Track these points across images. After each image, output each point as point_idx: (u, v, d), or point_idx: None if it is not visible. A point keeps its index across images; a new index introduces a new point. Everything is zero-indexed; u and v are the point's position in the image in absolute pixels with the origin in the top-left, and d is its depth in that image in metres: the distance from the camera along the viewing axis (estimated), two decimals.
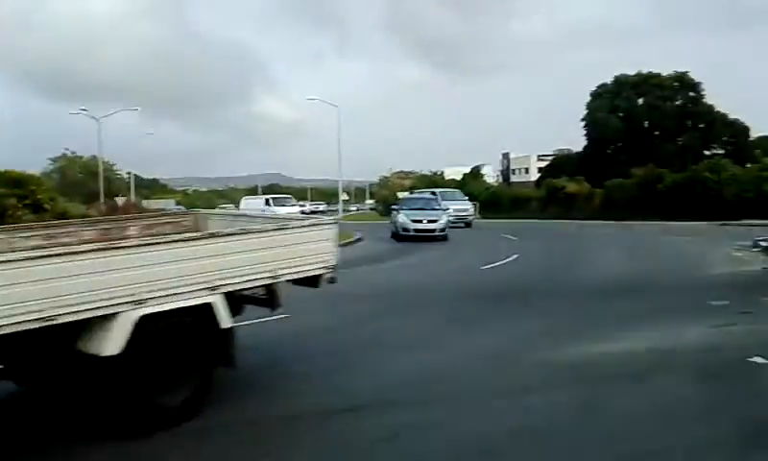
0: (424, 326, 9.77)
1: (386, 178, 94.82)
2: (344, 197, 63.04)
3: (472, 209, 36.60)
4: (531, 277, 15.26)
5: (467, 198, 38.24)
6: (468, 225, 33.44)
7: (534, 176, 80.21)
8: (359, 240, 25.84)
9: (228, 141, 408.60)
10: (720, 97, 60.07)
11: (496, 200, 55.02)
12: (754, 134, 57.84)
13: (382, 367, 7.52)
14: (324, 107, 54.62)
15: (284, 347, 8.46)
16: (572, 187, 47.92)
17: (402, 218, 25.91)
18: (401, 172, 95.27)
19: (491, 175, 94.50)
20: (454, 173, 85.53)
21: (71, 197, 44.28)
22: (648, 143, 56.23)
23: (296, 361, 7.75)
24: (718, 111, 57.76)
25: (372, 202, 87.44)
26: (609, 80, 61.14)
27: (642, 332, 8.89)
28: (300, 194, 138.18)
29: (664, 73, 59.45)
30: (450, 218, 32.76)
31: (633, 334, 8.82)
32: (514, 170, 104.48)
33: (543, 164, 75.51)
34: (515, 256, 18.80)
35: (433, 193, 36.27)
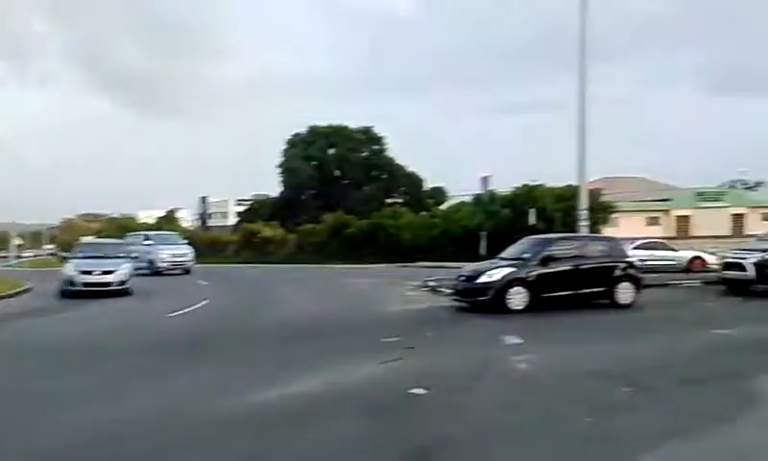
0: (92, 382, 8.85)
1: (70, 220, 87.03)
2: (16, 241, 56.21)
3: (192, 254, 33.67)
4: (218, 322, 14.99)
5: (186, 242, 36.05)
6: (186, 271, 31.06)
7: (232, 220, 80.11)
8: (28, 290, 23.00)
9: None
10: (400, 151, 66.23)
11: (192, 244, 53.55)
12: (427, 186, 64.91)
13: (38, 428, 6.56)
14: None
15: None
16: (267, 232, 48.87)
17: (70, 269, 21.11)
18: (89, 214, 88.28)
19: (187, 219, 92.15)
20: (148, 217, 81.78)
21: None
22: (338, 191, 59.88)
23: None
24: (398, 164, 63.83)
25: (51, 247, 79.34)
26: (303, 129, 64.10)
27: (318, 373, 9.11)
28: None
29: (352, 126, 64.17)
30: (164, 264, 30.35)
31: (309, 376, 8.99)
32: (212, 214, 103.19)
33: (242, 209, 75.94)
34: (204, 302, 18.36)
35: (147, 237, 33.79)
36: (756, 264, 17.55)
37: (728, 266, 18.74)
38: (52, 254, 60.02)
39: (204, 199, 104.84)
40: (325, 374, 9.11)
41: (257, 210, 63.38)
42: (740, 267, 17.95)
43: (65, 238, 71.59)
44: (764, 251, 17.92)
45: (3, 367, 9.83)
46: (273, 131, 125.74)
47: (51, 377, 9.19)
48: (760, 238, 22.43)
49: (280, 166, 63.14)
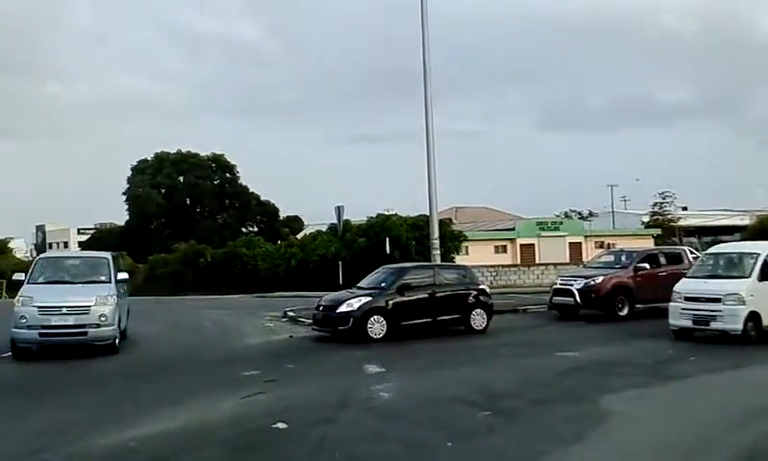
0: None
1: None
2: None
3: None
4: (53, 363, 13.70)
5: None
6: None
7: (74, 248, 75.16)
8: None
9: None
10: (253, 179, 65.40)
11: None
12: (282, 214, 64.56)
13: None
14: None
15: None
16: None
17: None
18: None
19: (23, 249, 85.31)
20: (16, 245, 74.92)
21: None
22: (190, 219, 58.14)
23: None
24: (252, 192, 63.05)
25: None
26: (149, 156, 61.66)
27: (177, 411, 8.74)
28: None
29: (202, 153, 62.58)
30: None
31: (167, 414, 8.58)
32: (51, 244, 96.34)
33: (85, 238, 71.54)
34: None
35: None
36: (580, 290, 18.76)
37: (557, 292, 19.84)
38: None
39: (40, 227, 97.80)
40: (185, 411, 8.75)
41: (102, 239, 59.92)
42: (568, 293, 19.19)
43: None
44: (588, 277, 19.18)
45: None
46: (118, 156, 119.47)
47: None
48: (585, 265, 24.14)
49: (126, 194, 60.33)
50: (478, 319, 16.51)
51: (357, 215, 38.89)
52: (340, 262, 27.57)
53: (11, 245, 77.13)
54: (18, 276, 14.83)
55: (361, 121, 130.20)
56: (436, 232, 21.53)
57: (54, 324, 12.94)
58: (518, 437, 7.36)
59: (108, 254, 15.84)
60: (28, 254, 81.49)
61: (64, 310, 13.04)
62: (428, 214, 22.41)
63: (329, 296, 17.14)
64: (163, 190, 60.05)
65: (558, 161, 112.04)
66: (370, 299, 15.51)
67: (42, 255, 18.32)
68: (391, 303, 15.52)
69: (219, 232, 55.15)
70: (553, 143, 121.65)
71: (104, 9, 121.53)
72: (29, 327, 12.96)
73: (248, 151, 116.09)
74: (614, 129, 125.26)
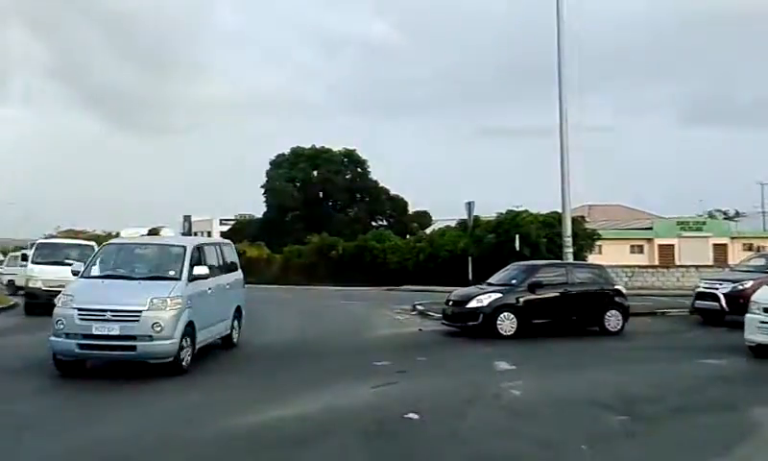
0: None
1: (52, 236, 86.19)
2: None
3: None
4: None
5: None
6: None
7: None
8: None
9: None
10: (383, 174, 66.37)
11: None
12: (411, 209, 65.07)
13: None
14: None
15: None
16: (253, 252, 48.61)
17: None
18: (71, 230, 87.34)
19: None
20: (131, 234, 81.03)
21: None
22: (323, 212, 59.86)
23: None
24: (382, 187, 63.95)
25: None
26: (286, 150, 64.10)
27: (314, 395, 9.10)
28: None
29: (335, 148, 64.26)
30: None
31: (305, 398, 8.98)
32: (196, 233, 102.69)
33: (226, 228, 75.55)
34: None
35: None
36: (726, 295, 17.53)
37: (700, 296, 18.64)
38: None
39: (187, 218, 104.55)
40: (321, 396, 9.09)
41: (241, 230, 63.11)
42: (713, 297, 17.93)
43: None
44: (735, 281, 17.89)
45: None
46: (257, 151, 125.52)
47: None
48: (733, 268, 22.48)
49: (264, 187, 63.06)
50: (613, 320, 15.92)
51: (486, 211, 38.52)
52: (470, 258, 27.49)
53: (161, 233, 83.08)
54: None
55: (492, 116, 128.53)
56: (569, 230, 20.96)
57: (95, 333, 9.96)
58: (659, 445, 7.05)
59: (187, 241, 13.00)
60: None
61: (108, 315, 10.01)
62: (560, 211, 21.87)
63: (459, 291, 17.16)
64: (298, 184, 62.19)
65: (700, 158, 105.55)
66: (500, 295, 15.38)
67: (111, 241, 14.01)
68: (521, 300, 15.30)
69: (350, 226, 56.40)
70: (695, 139, 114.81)
71: (245, 10, 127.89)
72: (66, 336, 10.07)
73: (378, 146, 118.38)
74: (765, 123, 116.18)
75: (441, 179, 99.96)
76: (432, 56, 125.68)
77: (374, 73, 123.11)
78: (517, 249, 29.89)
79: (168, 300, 10.25)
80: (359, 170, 64.48)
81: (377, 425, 7.65)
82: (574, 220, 25.42)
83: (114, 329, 9.93)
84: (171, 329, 10.08)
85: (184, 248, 11.60)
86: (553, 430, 7.55)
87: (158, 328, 9.94)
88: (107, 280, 11.01)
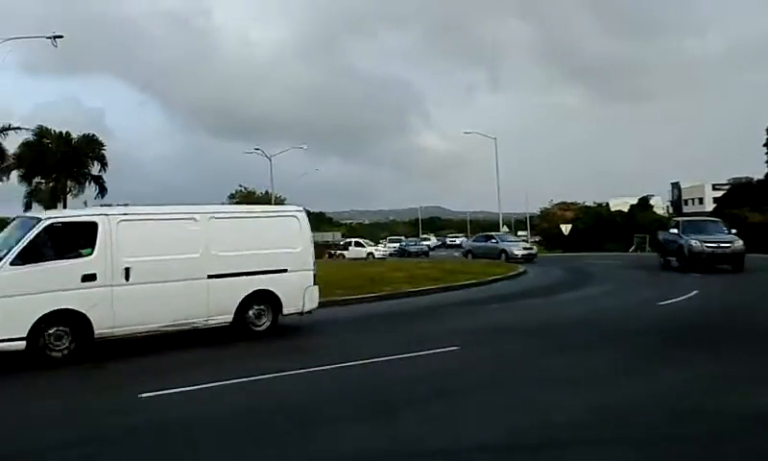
0: (596, 363, 9.42)
1: (547, 209, 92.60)
2: (504, 229, 62.36)
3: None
4: (710, 316, 14.16)
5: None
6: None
7: (709, 206, 74.78)
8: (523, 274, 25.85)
9: (388, 174, 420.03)
10: None
11: None
12: None
13: (549, 405, 7.18)
14: (481, 139, 54.87)
15: (454, 377, 8.56)
16: (756, 217, 44.09)
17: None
18: (563, 203, 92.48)
19: (660, 206, 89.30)
20: (620, 204, 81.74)
21: None
22: None
23: (463, 393, 7.78)
24: None
25: (524, 234, 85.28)
26: None
27: None
28: (460, 226, 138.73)
29: None
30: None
31: None
32: (686, 200, 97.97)
33: (719, 194, 70.27)
34: (693, 293, 17.58)
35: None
36: None
37: None
38: (538, 243, 61.77)
39: (675, 185, 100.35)
40: None
41: (740, 194, 57.70)
42: None
43: (544, 226, 76.73)
44: None
45: (515, 343, 11.19)
46: (754, 107, 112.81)
47: (553, 355, 10.09)
48: None
49: (767, 145, 56.42)
50: None
51: None
52: None
53: (651, 202, 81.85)
54: None
55: None
56: None
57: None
58: None
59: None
60: (664, 211, 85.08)
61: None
62: None
63: None
64: None
65: None
66: None
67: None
68: None
69: None
70: None
71: None
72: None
73: None
74: None
75: None
76: None
77: None
78: None
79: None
80: None
81: None
82: None
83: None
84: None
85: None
86: None
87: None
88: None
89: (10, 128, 38.02)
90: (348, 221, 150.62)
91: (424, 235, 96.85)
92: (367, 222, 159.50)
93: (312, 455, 5.76)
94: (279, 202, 75.88)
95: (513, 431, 6.31)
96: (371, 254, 52.61)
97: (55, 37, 36.44)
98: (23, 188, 45.31)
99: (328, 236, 56.29)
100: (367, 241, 61.59)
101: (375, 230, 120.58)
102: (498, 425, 6.50)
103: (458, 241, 77.91)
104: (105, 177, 43.45)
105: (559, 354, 10.10)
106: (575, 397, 7.46)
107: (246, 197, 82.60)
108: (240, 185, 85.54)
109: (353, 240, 59.24)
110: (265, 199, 66.46)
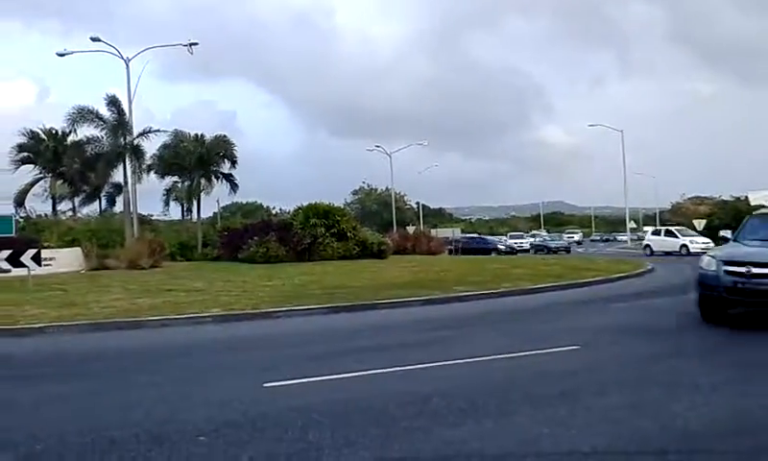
0: (732, 367, 8.80)
1: (679, 204, 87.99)
2: (631, 225, 59.88)
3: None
4: None
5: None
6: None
7: None
8: (650, 271, 24.67)
9: (508, 169, 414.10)
10: None
11: None
12: None
13: (679, 409, 6.69)
14: (606, 131, 52.86)
15: (574, 377, 8.27)
16: None
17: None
18: (696, 197, 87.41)
19: None
20: (761, 198, 76.14)
21: (369, 226, 49.36)
22: None
23: (585, 393, 7.46)
24: None
25: (649, 229, 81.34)
26: None
27: None
28: (582, 222, 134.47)
29: None
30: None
31: None
32: None
33: None
34: None
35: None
36: None
37: None
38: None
39: None
40: None
41: None
42: None
43: (675, 222, 72.89)
44: None
45: (641, 345, 10.69)
46: None
47: (681, 358, 9.54)
48: None
49: None
50: None
51: None
52: None
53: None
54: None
55: None
56: None
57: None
58: None
59: None
60: None
61: None
62: None
63: None
64: None
65: None
66: None
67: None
68: None
69: None
70: None
71: None
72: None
73: None
74: None
75: None
76: None
77: None
78: None
79: None
80: None
81: None
82: None
83: None
84: None
85: None
86: None
87: None
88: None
89: (150, 131, 40.68)
90: (468, 217, 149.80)
91: (572, 229, 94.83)
92: (487, 218, 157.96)
93: (438, 452, 5.71)
94: (400, 198, 76.82)
95: (638, 436, 5.96)
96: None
97: (190, 44, 38.69)
98: (161, 187, 48.60)
99: (448, 232, 56.04)
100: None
101: (495, 226, 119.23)
102: (623, 429, 6.16)
103: (576, 237, 75.90)
104: (235, 174, 45.45)
105: (690, 357, 9.55)
106: (709, 402, 6.95)
107: (368, 194, 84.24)
108: (363, 181, 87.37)
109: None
110: (386, 195, 67.36)
